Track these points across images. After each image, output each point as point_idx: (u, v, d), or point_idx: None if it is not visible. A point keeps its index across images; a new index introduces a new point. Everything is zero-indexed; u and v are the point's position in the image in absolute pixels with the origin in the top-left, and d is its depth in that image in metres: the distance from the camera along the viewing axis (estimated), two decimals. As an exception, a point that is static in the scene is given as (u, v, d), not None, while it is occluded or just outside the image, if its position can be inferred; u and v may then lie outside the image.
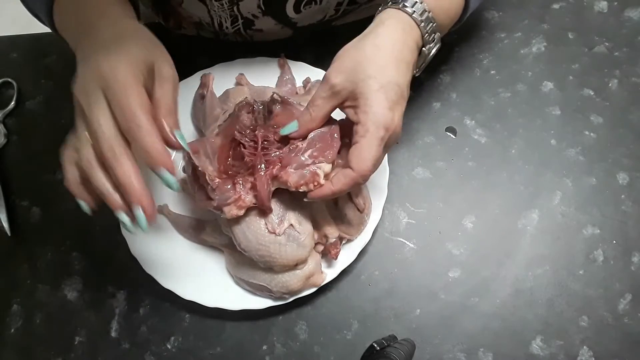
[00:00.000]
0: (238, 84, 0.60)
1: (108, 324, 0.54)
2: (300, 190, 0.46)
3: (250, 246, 0.48)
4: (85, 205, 0.42)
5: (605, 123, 0.61)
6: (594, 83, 0.63)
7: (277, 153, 0.47)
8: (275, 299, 0.51)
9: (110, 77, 0.38)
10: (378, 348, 0.45)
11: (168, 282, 0.52)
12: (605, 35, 0.65)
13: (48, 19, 0.49)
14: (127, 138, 0.39)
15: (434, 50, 0.50)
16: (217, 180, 0.47)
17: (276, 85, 0.60)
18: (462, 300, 0.54)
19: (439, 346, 0.52)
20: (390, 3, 0.48)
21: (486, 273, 0.55)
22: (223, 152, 0.50)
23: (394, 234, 0.56)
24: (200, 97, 0.58)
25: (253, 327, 0.53)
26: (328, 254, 0.51)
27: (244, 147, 0.48)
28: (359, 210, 0.52)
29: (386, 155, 0.53)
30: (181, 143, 0.40)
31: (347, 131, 0.47)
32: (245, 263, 0.51)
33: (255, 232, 0.48)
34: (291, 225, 0.48)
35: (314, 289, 0.51)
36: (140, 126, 0.37)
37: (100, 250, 0.57)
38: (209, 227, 0.53)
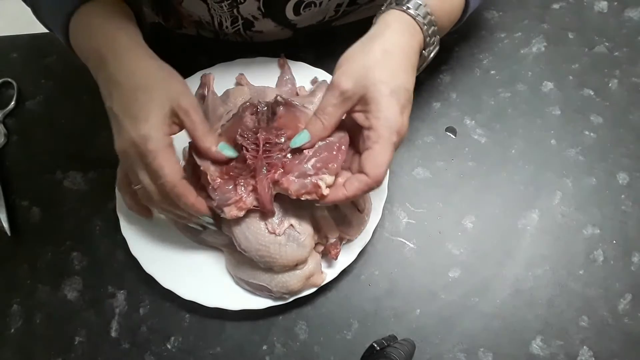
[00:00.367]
0: (238, 84, 0.60)
1: (108, 324, 0.54)
2: (302, 199, 0.46)
3: (250, 246, 0.48)
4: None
5: (605, 123, 0.61)
6: (594, 83, 0.63)
7: (279, 156, 0.47)
8: (275, 299, 0.51)
9: (142, 149, 0.43)
10: (378, 348, 0.45)
11: (168, 282, 0.52)
12: (605, 35, 0.65)
13: (64, 39, 0.49)
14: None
15: (433, 53, 0.50)
16: (219, 180, 0.47)
17: (276, 85, 0.60)
18: (462, 300, 0.54)
19: (439, 346, 0.52)
20: (393, 4, 0.47)
21: (486, 273, 0.55)
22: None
23: (394, 234, 0.56)
24: (200, 97, 0.58)
25: (253, 327, 0.53)
26: (328, 254, 0.51)
27: (246, 150, 0.47)
28: (359, 210, 0.52)
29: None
30: (227, 154, 0.47)
31: (351, 135, 0.47)
32: (245, 263, 0.51)
33: (255, 232, 0.48)
34: (291, 225, 0.48)
35: (314, 289, 0.51)
36: (176, 193, 0.44)
37: (100, 250, 0.57)
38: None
